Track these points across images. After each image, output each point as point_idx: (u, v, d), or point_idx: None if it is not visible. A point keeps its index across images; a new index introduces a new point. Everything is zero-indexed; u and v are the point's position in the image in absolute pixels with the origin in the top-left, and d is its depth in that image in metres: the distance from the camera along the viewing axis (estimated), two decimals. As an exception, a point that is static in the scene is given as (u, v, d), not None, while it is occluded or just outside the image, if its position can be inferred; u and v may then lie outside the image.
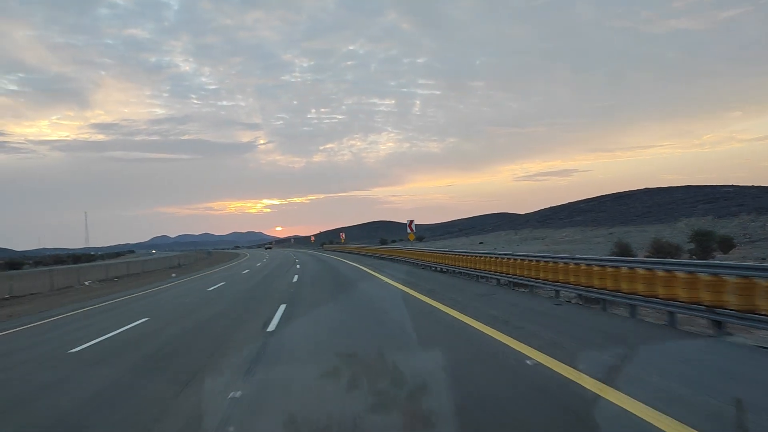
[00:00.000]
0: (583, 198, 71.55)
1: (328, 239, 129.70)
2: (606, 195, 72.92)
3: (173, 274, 36.16)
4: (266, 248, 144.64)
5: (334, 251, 63.50)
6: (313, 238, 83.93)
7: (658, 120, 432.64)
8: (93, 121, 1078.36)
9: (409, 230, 33.39)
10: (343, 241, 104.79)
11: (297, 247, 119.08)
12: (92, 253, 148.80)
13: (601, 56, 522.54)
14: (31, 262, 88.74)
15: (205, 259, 69.50)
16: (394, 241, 76.67)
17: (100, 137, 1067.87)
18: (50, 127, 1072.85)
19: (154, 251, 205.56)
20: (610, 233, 41.36)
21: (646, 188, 68.59)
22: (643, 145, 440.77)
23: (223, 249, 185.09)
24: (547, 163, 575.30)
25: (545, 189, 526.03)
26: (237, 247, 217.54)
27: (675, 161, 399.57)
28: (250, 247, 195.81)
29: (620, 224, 48.31)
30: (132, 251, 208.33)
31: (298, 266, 32.70)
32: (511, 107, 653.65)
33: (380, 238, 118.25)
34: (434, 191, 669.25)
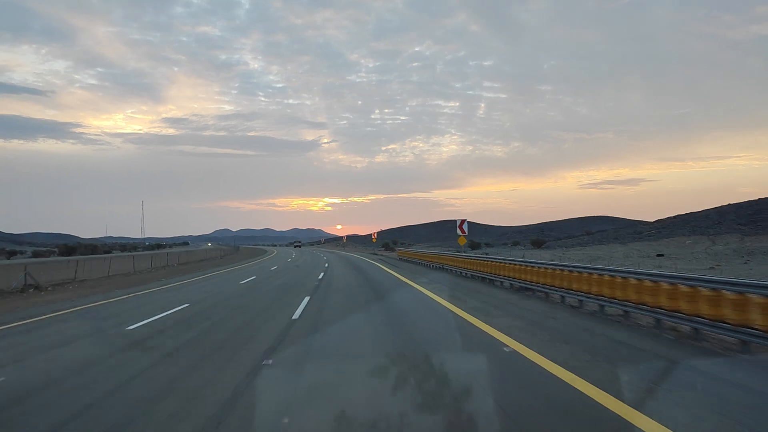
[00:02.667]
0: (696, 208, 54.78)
1: (390, 238, 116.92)
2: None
3: (162, 279, 25.65)
4: (295, 246, 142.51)
5: (404, 259, 42.05)
6: (374, 236, 72.90)
7: (735, 130, 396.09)
8: (165, 115, 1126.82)
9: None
10: (374, 240, 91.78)
11: (346, 248, 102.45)
12: (129, 243, 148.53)
13: (676, 62, 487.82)
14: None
15: (228, 255, 68.87)
16: (484, 245, 63.67)
17: (171, 131, 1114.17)
18: (125, 120, 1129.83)
19: (209, 244, 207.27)
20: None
21: None
22: (717, 156, 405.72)
23: (257, 245, 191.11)
24: (614, 171, 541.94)
25: (611, 197, 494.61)
26: (274, 245, 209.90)
27: (752, 173, 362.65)
28: (286, 245, 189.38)
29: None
30: (186, 243, 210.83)
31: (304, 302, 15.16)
32: (578, 112, 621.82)
33: (470, 240, 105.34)
34: (496, 195, 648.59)
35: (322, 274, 26.11)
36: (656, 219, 61.41)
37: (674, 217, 55.49)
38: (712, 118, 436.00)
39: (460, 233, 26.37)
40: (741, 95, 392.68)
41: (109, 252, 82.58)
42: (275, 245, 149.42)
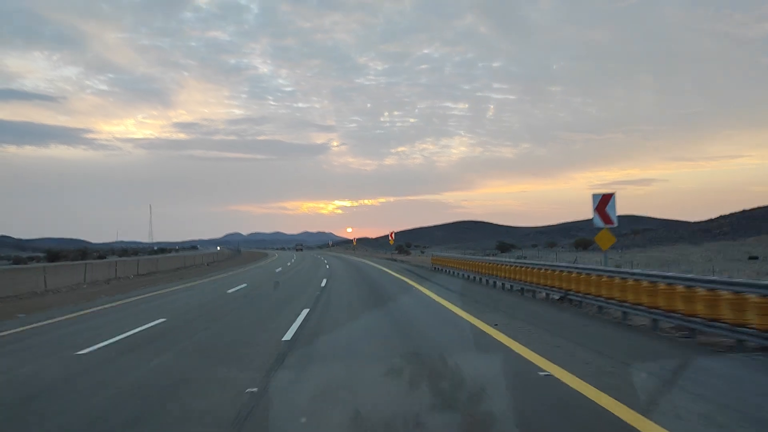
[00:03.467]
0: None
1: (404, 240, 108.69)
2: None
3: (117, 294, 19.41)
4: (296, 249, 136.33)
5: (439, 269, 30.15)
6: (392, 238, 65.47)
7: (747, 128, 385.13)
8: (175, 120, 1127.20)
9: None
10: (392, 242, 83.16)
11: (357, 252, 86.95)
12: (132, 247, 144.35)
13: (687, 61, 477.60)
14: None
15: (228, 259, 66.35)
16: (509, 247, 56.42)
17: (181, 136, 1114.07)
18: (136, 126, 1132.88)
19: (219, 247, 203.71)
20: None
21: None
22: (729, 155, 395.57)
23: (259, 249, 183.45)
24: (625, 172, 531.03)
25: (621, 198, 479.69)
26: (283, 248, 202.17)
27: (765, 172, 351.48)
28: (283, 248, 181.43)
29: None
30: (195, 247, 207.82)
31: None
32: (588, 113, 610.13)
33: (498, 241, 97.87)
34: (506, 197, 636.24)
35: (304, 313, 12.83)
36: (717, 215, 53.77)
37: (740, 212, 47.80)
38: (724, 117, 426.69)
39: (603, 224, 13.31)
40: (753, 93, 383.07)
41: (103, 257, 76.57)
42: (284, 248, 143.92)
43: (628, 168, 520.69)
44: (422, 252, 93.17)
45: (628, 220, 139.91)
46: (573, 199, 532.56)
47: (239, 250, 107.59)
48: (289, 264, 45.22)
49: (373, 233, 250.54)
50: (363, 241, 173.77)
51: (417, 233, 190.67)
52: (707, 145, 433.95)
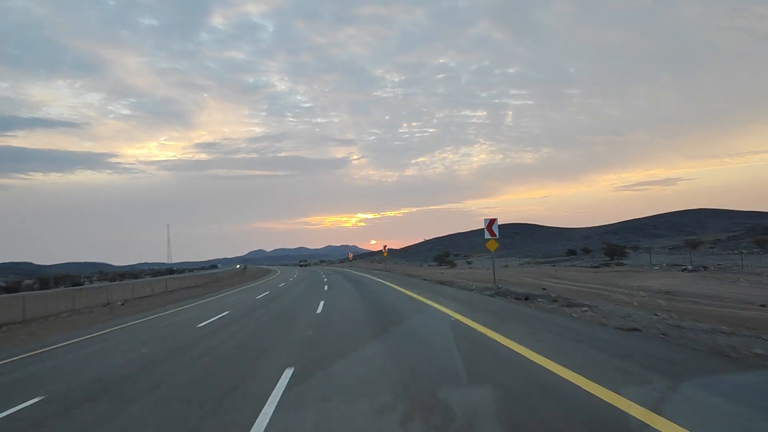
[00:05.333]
0: None
1: (438, 249, 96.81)
2: None
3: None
4: (301, 265, 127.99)
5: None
6: (385, 251, 55.73)
7: None
8: (196, 141, 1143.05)
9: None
10: (385, 254, 70.49)
11: (385, 265, 70.68)
12: (141, 269, 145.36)
13: (708, 57, 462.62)
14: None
15: (230, 277, 66.32)
16: (619, 251, 46.88)
17: (203, 156, 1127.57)
18: (158, 148, 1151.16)
19: (238, 266, 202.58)
20: None
21: None
22: (755, 150, 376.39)
23: (272, 264, 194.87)
24: (648, 172, 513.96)
25: (646, 199, 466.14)
26: (300, 263, 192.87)
27: None
28: (294, 264, 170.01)
29: None
30: (215, 266, 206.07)
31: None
32: (609, 114, 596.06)
33: (568, 249, 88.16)
34: (529, 203, 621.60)
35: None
36: None
37: None
38: (748, 112, 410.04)
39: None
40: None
41: (104, 279, 70.52)
42: (304, 263, 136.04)
43: (651, 168, 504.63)
44: (469, 263, 77.63)
45: (697, 214, 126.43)
46: (596, 202, 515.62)
47: (245, 268, 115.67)
48: (281, 285, 35.76)
49: (397, 244, 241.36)
50: (395, 253, 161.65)
51: (452, 241, 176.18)
52: (733, 141, 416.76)
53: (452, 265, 69.25)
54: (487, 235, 19.79)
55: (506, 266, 59.10)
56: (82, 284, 67.59)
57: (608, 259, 51.30)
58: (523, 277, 34.30)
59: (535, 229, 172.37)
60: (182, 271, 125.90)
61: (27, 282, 68.20)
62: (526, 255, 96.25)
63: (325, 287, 28.67)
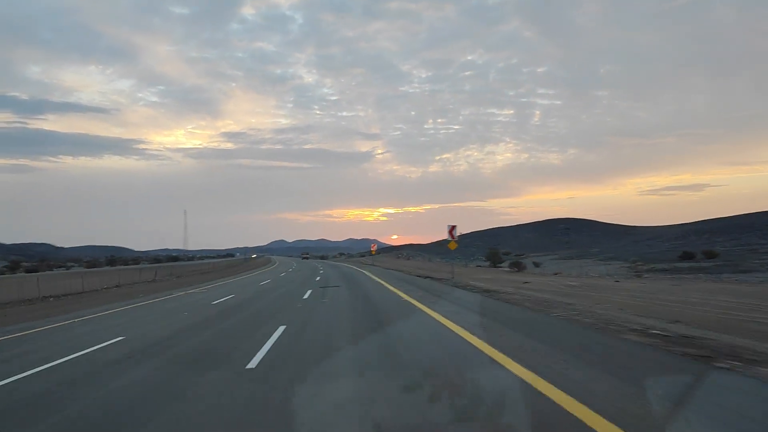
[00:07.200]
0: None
1: (477, 245, 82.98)
2: None
3: None
4: (303, 258, 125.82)
5: None
6: (373, 249, 46.11)
7: None
8: (223, 130, 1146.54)
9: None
10: (373, 252, 70.20)
11: (415, 261, 66.12)
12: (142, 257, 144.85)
13: (742, 61, 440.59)
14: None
15: (232, 267, 69.97)
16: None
17: (229, 145, 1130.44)
18: (185, 136, 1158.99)
19: (254, 255, 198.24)
20: None
21: None
22: None
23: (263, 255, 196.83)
24: (676, 177, 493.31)
25: (673, 204, 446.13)
26: (304, 255, 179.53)
27: None
28: (300, 257, 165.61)
29: None
30: (232, 255, 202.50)
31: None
32: (637, 117, 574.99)
33: (681, 250, 72.04)
34: (553, 204, 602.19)
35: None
36: None
37: None
38: None
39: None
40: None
41: (93, 266, 66.01)
42: (306, 256, 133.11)
43: (679, 173, 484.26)
44: (537, 266, 61.84)
45: None
46: (621, 205, 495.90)
47: (247, 258, 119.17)
48: (266, 282, 32.21)
49: (418, 240, 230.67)
50: (417, 249, 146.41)
51: (493, 236, 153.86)
52: (765, 148, 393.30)
53: (520, 267, 51.72)
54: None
55: (590, 274, 42.53)
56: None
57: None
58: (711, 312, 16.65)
59: (594, 225, 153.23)
60: (191, 259, 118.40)
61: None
62: (598, 255, 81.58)
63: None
